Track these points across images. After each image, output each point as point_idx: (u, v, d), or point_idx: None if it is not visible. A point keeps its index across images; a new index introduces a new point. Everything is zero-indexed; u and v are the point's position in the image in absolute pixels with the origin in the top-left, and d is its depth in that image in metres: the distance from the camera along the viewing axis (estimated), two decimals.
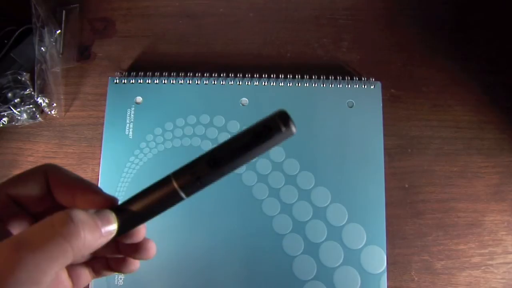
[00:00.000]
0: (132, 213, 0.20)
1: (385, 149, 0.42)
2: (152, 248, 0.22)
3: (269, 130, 0.18)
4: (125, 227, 0.20)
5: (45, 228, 0.17)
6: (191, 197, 0.20)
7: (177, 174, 0.19)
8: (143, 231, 0.22)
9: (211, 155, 0.19)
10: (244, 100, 0.43)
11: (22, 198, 0.21)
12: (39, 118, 0.44)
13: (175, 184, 0.19)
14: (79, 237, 0.17)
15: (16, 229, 0.21)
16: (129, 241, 0.22)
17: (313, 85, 0.43)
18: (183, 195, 0.19)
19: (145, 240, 0.22)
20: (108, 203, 0.21)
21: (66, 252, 0.17)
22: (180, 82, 0.43)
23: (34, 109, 0.44)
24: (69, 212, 0.17)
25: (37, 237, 0.16)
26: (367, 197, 0.40)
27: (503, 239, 0.40)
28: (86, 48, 0.47)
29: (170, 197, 0.19)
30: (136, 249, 0.22)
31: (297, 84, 0.43)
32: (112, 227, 0.19)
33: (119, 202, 0.21)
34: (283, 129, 0.17)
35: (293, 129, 0.18)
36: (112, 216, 0.20)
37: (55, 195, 0.21)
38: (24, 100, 0.44)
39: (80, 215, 0.18)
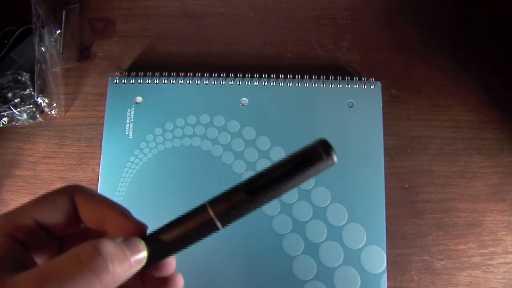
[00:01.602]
0: (162, 242, 0.19)
1: (385, 149, 0.42)
2: (180, 283, 0.21)
3: (310, 159, 0.17)
4: (155, 258, 0.20)
5: (72, 261, 0.16)
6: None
7: (213, 203, 0.19)
8: (173, 264, 0.21)
9: (249, 184, 0.18)
10: (244, 100, 0.43)
11: (48, 222, 0.20)
12: (39, 118, 0.44)
13: (211, 213, 0.18)
14: (108, 271, 0.16)
15: (40, 255, 0.20)
16: (158, 274, 0.21)
17: (313, 85, 0.43)
18: (219, 225, 0.19)
19: (174, 275, 0.21)
20: (138, 229, 0.20)
21: (95, 287, 0.16)
22: (180, 82, 0.43)
23: (34, 109, 0.44)
24: (97, 244, 0.17)
25: (64, 271, 0.16)
26: (367, 197, 0.40)
27: (503, 239, 0.40)
28: (86, 48, 0.47)
29: (205, 226, 0.19)
30: (164, 283, 0.21)
31: (297, 84, 0.43)
32: (141, 256, 0.18)
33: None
34: (324, 157, 0.17)
35: (335, 158, 0.17)
36: (142, 245, 0.19)
37: (83, 218, 0.21)
38: (24, 100, 0.44)
39: (108, 248, 0.17)
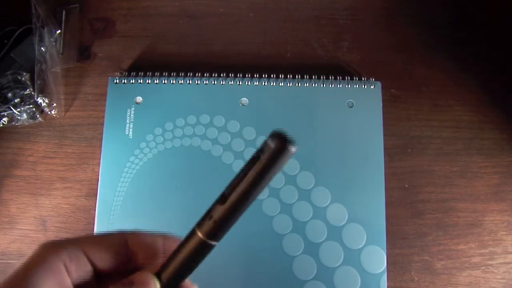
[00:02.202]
0: (171, 274, 0.21)
1: (385, 149, 0.42)
2: None
3: (263, 154, 0.17)
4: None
5: None
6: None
7: (200, 224, 0.20)
8: None
9: (222, 196, 0.19)
10: (244, 100, 0.43)
11: (97, 260, 0.21)
12: (39, 118, 0.44)
13: (200, 235, 0.19)
14: None
15: None
16: None
17: (313, 85, 0.43)
18: (212, 243, 0.20)
19: None
20: None
21: None
22: (180, 82, 0.43)
23: (34, 109, 0.44)
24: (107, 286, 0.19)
25: None
26: (367, 197, 0.40)
27: (503, 239, 0.40)
28: (86, 48, 0.47)
29: (201, 248, 0.20)
30: None
31: (297, 84, 0.43)
32: None
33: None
34: (278, 150, 0.17)
35: (291, 148, 0.16)
36: (150, 278, 0.20)
37: (139, 255, 0.22)
38: (24, 100, 0.44)
39: None
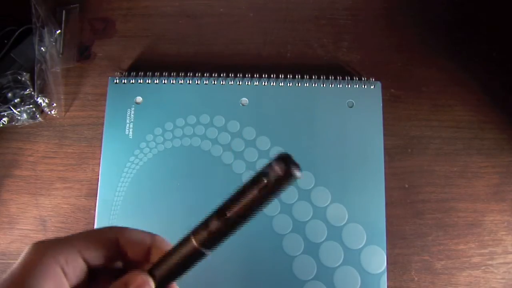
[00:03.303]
0: (163, 274, 0.21)
1: (385, 149, 0.42)
2: None
3: (266, 176, 0.17)
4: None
5: None
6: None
7: (195, 232, 0.20)
8: None
9: (220, 211, 0.19)
10: (244, 100, 0.43)
11: (91, 257, 0.22)
12: (39, 118, 0.44)
13: (195, 243, 0.20)
14: None
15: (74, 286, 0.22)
16: None
17: (313, 85, 0.43)
18: (206, 251, 0.20)
19: None
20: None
21: None
22: (180, 82, 0.43)
23: (34, 109, 0.44)
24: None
25: None
26: (367, 197, 0.40)
27: (503, 239, 0.40)
28: (86, 48, 0.47)
29: (194, 255, 0.20)
30: None
31: (297, 84, 0.43)
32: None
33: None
34: (285, 178, 0.16)
35: (296, 173, 0.16)
36: (147, 278, 0.21)
37: (129, 252, 0.22)
38: (24, 100, 0.44)
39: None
